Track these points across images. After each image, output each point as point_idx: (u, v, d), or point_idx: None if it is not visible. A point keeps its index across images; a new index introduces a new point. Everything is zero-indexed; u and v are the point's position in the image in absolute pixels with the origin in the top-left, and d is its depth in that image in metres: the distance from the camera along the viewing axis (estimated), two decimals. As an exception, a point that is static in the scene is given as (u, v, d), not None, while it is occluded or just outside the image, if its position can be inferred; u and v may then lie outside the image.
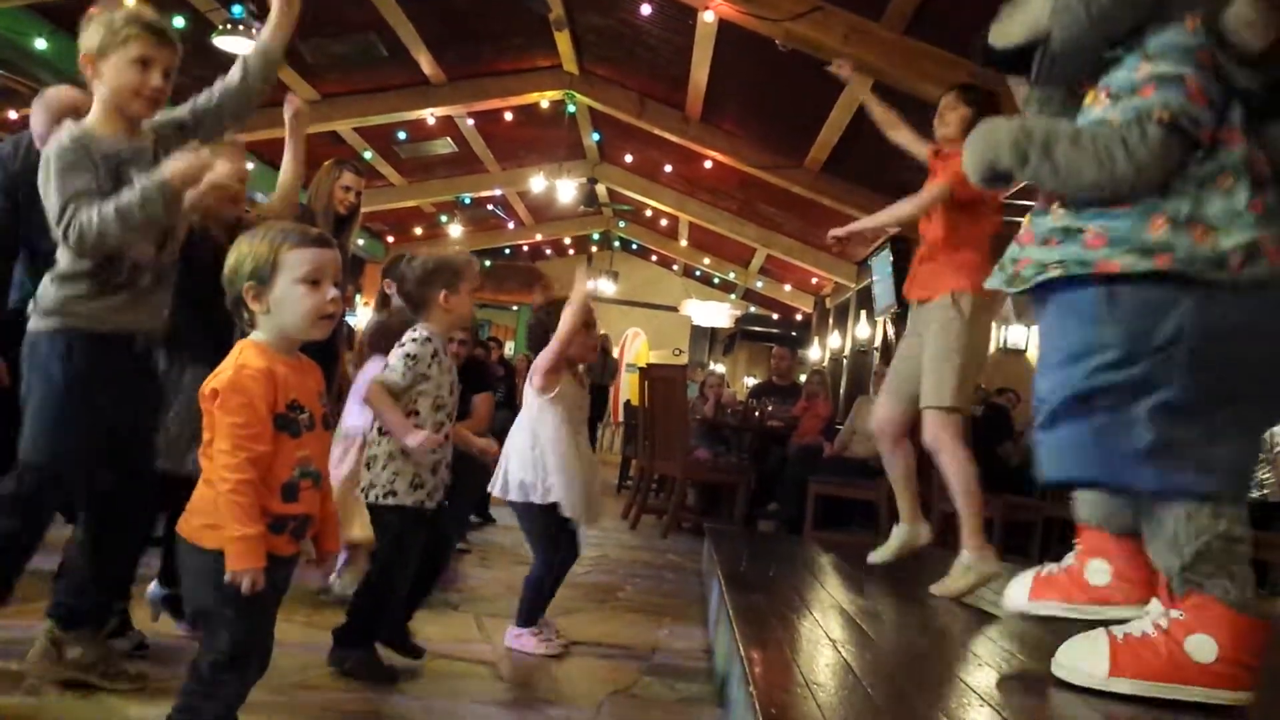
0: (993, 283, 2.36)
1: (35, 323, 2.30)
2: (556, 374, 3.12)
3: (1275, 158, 2.12)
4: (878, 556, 3.90)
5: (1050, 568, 2.57)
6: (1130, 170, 2.05)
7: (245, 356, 1.78)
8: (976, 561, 3.50)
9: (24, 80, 7.09)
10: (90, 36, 2.29)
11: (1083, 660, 2.20)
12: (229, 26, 6.67)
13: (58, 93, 3.05)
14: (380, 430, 2.78)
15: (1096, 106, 2.21)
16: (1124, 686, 2.13)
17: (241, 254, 1.82)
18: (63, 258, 2.29)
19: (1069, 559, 2.54)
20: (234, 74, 2.49)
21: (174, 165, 2.21)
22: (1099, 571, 2.46)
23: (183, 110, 2.48)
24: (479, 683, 2.79)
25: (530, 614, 3.18)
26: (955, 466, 3.53)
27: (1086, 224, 2.13)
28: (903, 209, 3.75)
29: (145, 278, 2.35)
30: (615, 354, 17.75)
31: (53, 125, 2.88)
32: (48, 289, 2.29)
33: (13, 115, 7.48)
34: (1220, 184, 2.05)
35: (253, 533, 1.71)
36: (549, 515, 3.09)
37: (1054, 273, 2.14)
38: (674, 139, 9.87)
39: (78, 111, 2.89)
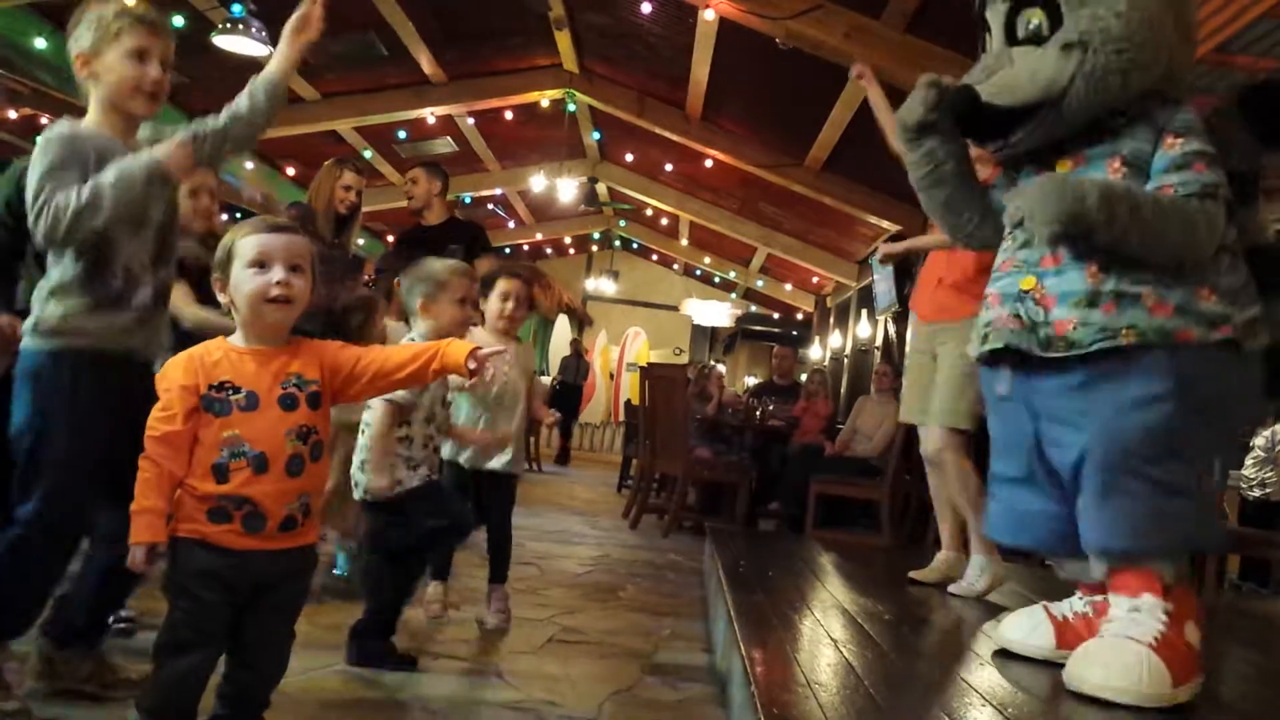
0: (1002, 340, 2.31)
1: (34, 342, 2.14)
2: None
3: (1245, 240, 2.25)
4: (920, 575, 3.84)
5: (1061, 611, 2.52)
6: (1207, 238, 2.13)
7: (193, 348, 1.84)
8: (989, 564, 3.60)
9: (24, 80, 7.08)
10: (81, 36, 2.20)
11: (1132, 679, 2.10)
12: (229, 25, 6.65)
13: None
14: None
15: (1109, 176, 2.23)
16: (1187, 694, 2.13)
17: (217, 250, 1.89)
18: (54, 268, 2.15)
19: (1080, 605, 2.49)
20: (241, 102, 2.30)
21: (166, 147, 2.13)
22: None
23: (184, 131, 2.29)
24: (480, 682, 2.79)
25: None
26: (961, 481, 3.61)
27: (1140, 289, 2.15)
28: (939, 238, 3.67)
29: (144, 294, 2.22)
30: (616, 352, 17.78)
31: None
32: (45, 306, 2.14)
33: (12, 115, 7.47)
34: (1223, 260, 2.18)
35: (146, 506, 1.73)
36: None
37: (1127, 340, 2.14)
38: (674, 138, 9.86)
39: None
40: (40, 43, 6.98)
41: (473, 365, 1.88)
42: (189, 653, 1.77)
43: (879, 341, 10.77)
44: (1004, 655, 2.60)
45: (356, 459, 2.86)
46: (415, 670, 2.76)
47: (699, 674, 3.07)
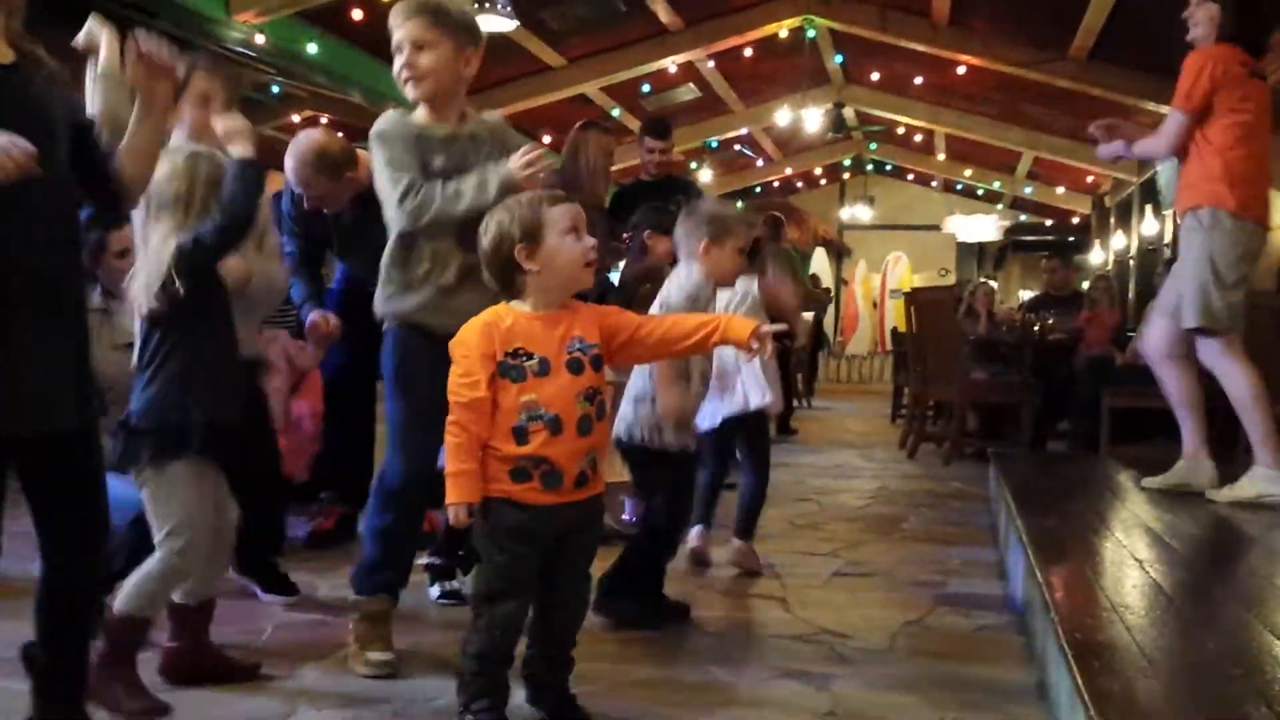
0: None
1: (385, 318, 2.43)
2: None
3: None
4: (1152, 482, 3.66)
5: None
6: None
7: (483, 314, 1.94)
8: (1265, 475, 3.30)
9: (300, 85, 7.69)
10: None
11: None
12: (476, 5, 6.93)
13: (307, 138, 3.22)
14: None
15: None
16: None
17: (504, 222, 1.94)
18: (384, 255, 2.39)
19: None
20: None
21: (518, 161, 2.30)
22: None
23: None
24: (770, 615, 2.85)
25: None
26: (1228, 384, 3.42)
27: None
28: (1154, 148, 3.80)
29: (449, 273, 2.35)
30: (878, 280, 17.38)
31: (300, 170, 3.14)
32: (378, 290, 2.42)
33: (295, 119, 8.16)
34: None
35: (462, 469, 1.86)
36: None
37: None
38: (921, 48, 9.44)
39: (324, 154, 3.14)
40: (312, 48, 7.55)
41: (755, 345, 1.92)
42: (505, 601, 1.93)
43: (1168, 239, 9.91)
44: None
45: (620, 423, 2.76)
46: (684, 620, 2.73)
47: (994, 603, 2.99)
